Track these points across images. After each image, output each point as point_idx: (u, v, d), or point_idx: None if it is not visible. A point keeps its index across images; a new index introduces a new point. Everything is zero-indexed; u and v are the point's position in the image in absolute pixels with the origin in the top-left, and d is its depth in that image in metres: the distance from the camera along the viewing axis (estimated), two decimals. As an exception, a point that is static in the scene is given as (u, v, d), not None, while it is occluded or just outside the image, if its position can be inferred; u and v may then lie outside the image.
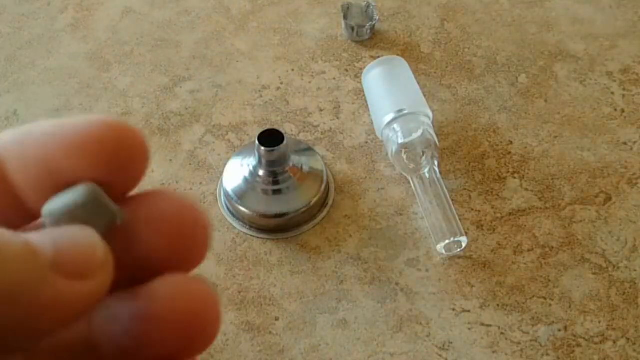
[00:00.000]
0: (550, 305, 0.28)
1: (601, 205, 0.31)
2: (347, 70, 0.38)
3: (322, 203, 0.31)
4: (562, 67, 0.38)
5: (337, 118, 0.36)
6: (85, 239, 0.15)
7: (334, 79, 0.38)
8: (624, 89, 0.36)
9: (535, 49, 0.39)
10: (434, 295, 0.28)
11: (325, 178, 0.31)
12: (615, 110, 0.35)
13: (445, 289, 0.28)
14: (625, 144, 0.34)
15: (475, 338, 0.27)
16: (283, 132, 0.29)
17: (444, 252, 0.29)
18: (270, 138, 0.29)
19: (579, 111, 0.35)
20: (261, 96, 0.37)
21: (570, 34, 0.40)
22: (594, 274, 0.29)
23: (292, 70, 0.38)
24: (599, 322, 0.27)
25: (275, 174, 0.30)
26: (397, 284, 0.29)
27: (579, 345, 0.27)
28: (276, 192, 0.31)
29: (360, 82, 0.37)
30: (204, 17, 0.42)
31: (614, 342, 0.27)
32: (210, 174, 0.33)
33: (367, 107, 0.36)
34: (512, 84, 0.37)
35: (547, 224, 0.31)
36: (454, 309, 0.28)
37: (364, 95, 0.36)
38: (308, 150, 0.32)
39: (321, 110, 0.36)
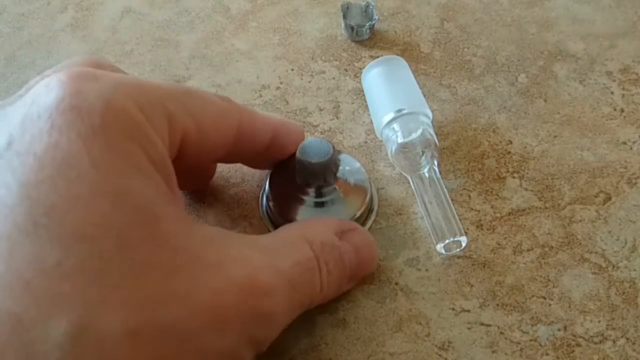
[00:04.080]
0: (549, 305, 0.28)
1: (601, 205, 0.31)
2: (346, 70, 0.38)
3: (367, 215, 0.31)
4: (562, 67, 0.38)
5: (337, 118, 0.36)
6: (374, 251, 0.28)
7: (334, 78, 0.38)
8: (623, 89, 0.36)
9: (535, 48, 0.39)
10: (434, 295, 0.28)
11: (370, 189, 0.30)
12: (615, 110, 0.35)
13: (445, 289, 0.28)
14: (624, 143, 0.34)
15: (475, 338, 0.27)
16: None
17: (443, 252, 0.29)
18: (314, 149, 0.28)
19: (579, 111, 0.35)
20: (261, 96, 0.37)
21: (570, 33, 0.40)
22: (593, 273, 0.29)
23: (292, 70, 0.38)
24: (599, 322, 0.27)
25: (320, 187, 0.29)
26: (396, 283, 0.29)
27: (578, 345, 0.27)
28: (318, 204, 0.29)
29: (359, 82, 0.37)
30: (204, 17, 0.42)
31: (614, 342, 0.27)
32: (209, 173, 0.33)
33: (366, 106, 0.36)
34: (511, 84, 0.37)
35: (546, 224, 0.31)
36: (453, 309, 0.28)
37: (363, 95, 0.36)
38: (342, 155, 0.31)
39: (321, 110, 0.36)
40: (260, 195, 0.32)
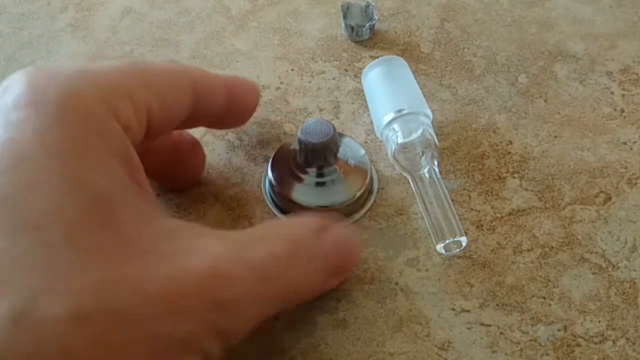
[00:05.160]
0: (549, 305, 0.28)
1: (601, 205, 0.31)
2: (346, 70, 0.38)
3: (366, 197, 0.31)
4: (562, 67, 0.38)
5: (337, 118, 0.36)
6: (354, 247, 0.27)
7: (334, 78, 0.38)
8: (623, 89, 0.36)
9: (535, 49, 0.39)
10: (434, 295, 0.28)
11: (369, 172, 0.31)
12: (615, 110, 0.35)
13: (445, 289, 0.28)
14: (625, 143, 0.34)
15: (475, 338, 0.27)
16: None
17: (443, 252, 0.29)
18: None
19: (579, 111, 0.35)
20: (261, 96, 0.37)
21: (570, 33, 0.40)
22: (593, 273, 0.29)
23: (292, 70, 0.38)
24: (599, 322, 0.27)
25: (321, 167, 0.30)
26: (396, 283, 0.29)
27: (578, 345, 0.27)
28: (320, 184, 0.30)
29: (359, 82, 0.37)
30: (204, 17, 0.42)
31: (614, 342, 0.27)
32: (209, 174, 0.33)
33: (366, 107, 0.36)
34: (512, 84, 0.37)
35: (547, 224, 0.31)
36: (453, 309, 0.28)
37: (363, 95, 0.36)
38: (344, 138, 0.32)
39: (321, 110, 0.36)
40: (263, 179, 0.32)
